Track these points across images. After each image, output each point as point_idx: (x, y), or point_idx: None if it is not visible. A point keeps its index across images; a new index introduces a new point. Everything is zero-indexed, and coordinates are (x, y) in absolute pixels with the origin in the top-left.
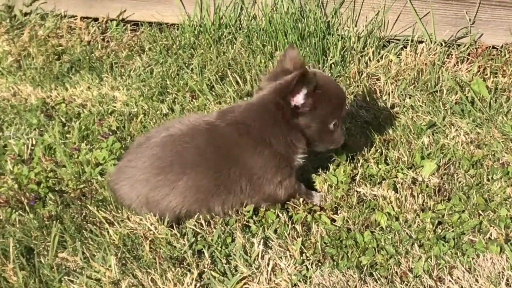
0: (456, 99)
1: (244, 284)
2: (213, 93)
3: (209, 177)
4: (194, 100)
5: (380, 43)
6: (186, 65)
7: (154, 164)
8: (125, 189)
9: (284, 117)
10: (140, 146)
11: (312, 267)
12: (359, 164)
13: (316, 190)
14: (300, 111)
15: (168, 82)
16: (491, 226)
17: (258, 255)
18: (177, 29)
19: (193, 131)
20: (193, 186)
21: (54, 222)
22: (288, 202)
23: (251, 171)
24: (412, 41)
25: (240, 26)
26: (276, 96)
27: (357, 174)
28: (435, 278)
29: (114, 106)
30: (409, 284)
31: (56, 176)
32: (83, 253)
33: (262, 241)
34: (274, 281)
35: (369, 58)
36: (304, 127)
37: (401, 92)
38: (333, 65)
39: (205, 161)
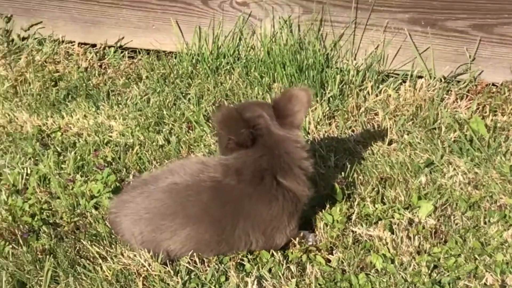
0: (454, 137)
1: None
2: (210, 125)
3: (212, 232)
4: (190, 131)
5: (379, 77)
6: (183, 94)
7: (159, 208)
8: (127, 223)
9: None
10: (147, 185)
11: None
12: (355, 203)
13: (311, 229)
14: None
15: (164, 112)
16: (487, 271)
17: None
18: (175, 58)
19: (198, 186)
20: (194, 237)
21: (48, 256)
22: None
23: (265, 224)
24: (411, 76)
25: (239, 56)
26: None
27: (353, 213)
28: None
29: (110, 136)
30: None
31: (50, 208)
32: None
33: (256, 280)
34: None
35: (368, 92)
36: None
37: (399, 128)
38: (331, 98)
39: (209, 217)
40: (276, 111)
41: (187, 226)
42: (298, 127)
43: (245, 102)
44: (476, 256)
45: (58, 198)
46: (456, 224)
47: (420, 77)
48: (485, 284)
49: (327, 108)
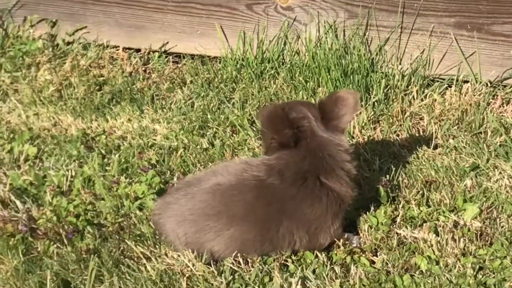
0: (500, 141)
1: None
2: (254, 129)
3: (256, 232)
4: (234, 135)
5: (424, 82)
6: (228, 99)
7: (203, 209)
8: (171, 224)
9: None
10: (190, 187)
11: None
12: (400, 206)
13: (355, 231)
14: None
15: (209, 116)
16: None
17: None
18: (219, 63)
19: (242, 186)
20: (238, 238)
21: (92, 255)
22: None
23: (309, 223)
24: (457, 80)
25: (283, 61)
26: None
27: (398, 215)
28: None
29: (154, 139)
30: None
31: (94, 209)
32: None
33: (300, 281)
34: None
35: (413, 97)
36: None
37: (444, 132)
38: (376, 103)
39: (253, 216)
40: (322, 113)
41: (231, 226)
42: (342, 131)
43: (291, 101)
44: None
45: (103, 199)
46: (502, 226)
47: (466, 81)
48: None
49: (372, 113)
